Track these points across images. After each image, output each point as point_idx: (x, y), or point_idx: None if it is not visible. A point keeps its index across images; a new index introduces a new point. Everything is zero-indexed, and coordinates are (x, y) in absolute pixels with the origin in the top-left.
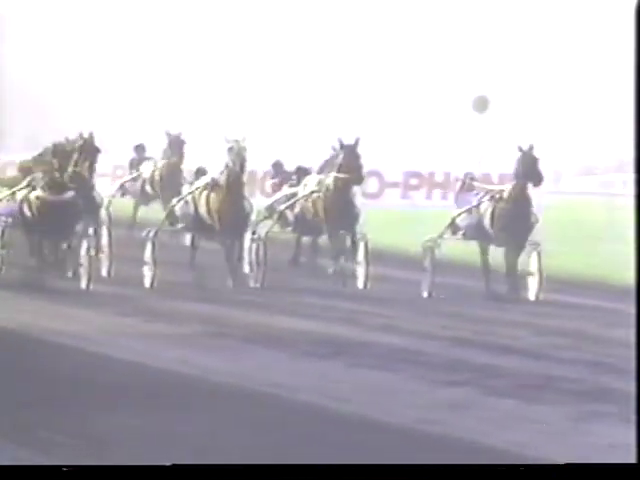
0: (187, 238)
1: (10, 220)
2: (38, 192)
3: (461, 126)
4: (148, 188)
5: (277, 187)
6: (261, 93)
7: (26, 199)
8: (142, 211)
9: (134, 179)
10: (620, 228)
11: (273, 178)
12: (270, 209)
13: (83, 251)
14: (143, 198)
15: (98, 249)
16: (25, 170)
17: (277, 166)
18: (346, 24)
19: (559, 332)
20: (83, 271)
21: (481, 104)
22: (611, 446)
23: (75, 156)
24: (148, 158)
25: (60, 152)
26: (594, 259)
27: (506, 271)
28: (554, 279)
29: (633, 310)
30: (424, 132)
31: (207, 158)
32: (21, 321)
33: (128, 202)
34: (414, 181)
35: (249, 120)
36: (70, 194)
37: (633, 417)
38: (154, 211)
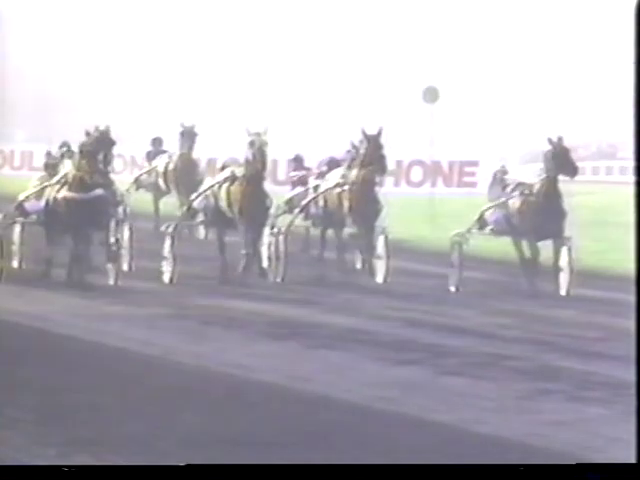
0: (201, 232)
1: (35, 217)
2: (66, 190)
3: (412, 115)
4: (161, 181)
5: (299, 181)
6: (271, 87)
7: (55, 196)
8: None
9: (149, 172)
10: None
11: (294, 171)
12: (290, 203)
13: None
14: (157, 191)
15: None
16: (51, 168)
17: (297, 160)
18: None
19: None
20: (110, 266)
21: (431, 95)
22: None
23: (93, 150)
24: (164, 151)
25: (86, 150)
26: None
27: (527, 264)
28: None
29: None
30: (377, 122)
31: (227, 150)
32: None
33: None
34: None
35: (269, 111)
36: (99, 192)
37: None
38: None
